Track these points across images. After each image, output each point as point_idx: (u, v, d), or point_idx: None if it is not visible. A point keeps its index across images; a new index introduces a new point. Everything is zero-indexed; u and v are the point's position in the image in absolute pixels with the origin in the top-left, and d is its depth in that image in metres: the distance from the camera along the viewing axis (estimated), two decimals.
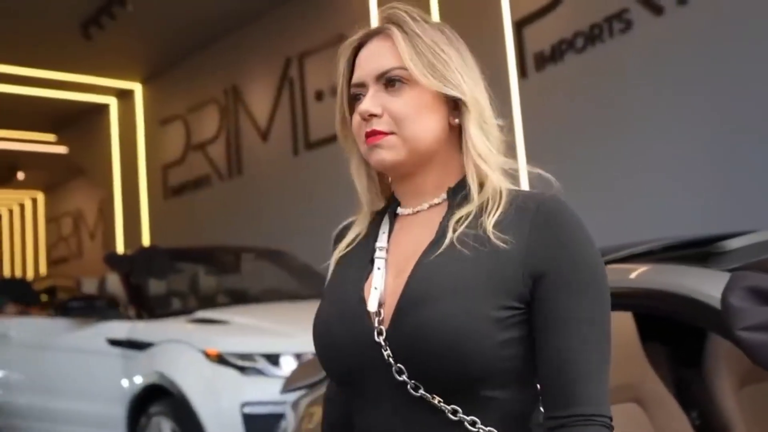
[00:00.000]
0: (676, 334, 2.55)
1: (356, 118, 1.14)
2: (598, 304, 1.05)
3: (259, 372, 4.10)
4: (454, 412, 1.03)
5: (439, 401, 1.04)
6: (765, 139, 4.57)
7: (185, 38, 9.25)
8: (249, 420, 4.00)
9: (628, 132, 5.26)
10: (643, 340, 2.32)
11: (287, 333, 4.28)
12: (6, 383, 6.04)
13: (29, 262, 16.27)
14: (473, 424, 1.03)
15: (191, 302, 5.65)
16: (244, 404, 4.03)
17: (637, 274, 1.91)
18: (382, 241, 1.17)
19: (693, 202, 4.82)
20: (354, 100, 1.17)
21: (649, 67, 5.15)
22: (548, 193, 1.12)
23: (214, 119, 9.62)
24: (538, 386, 1.06)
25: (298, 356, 3.99)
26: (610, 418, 1.02)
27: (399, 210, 1.19)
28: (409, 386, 1.04)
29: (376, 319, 1.09)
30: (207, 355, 4.25)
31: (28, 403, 5.78)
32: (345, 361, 1.13)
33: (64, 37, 8.59)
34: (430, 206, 1.16)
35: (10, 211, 17.43)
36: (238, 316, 4.75)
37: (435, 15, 6.54)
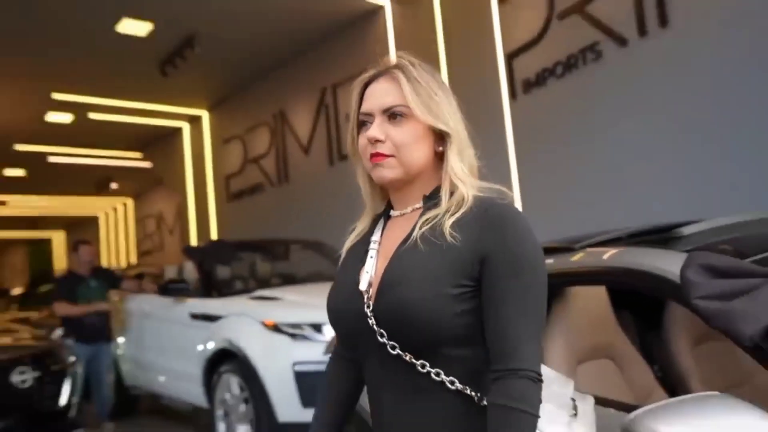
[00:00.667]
0: (641, 304, 2.54)
1: (363, 140, 1.18)
2: (532, 285, 1.08)
3: (306, 338, 4.13)
4: (423, 366, 1.10)
5: (410, 358, 1.10)
6: (722, 147, 4.54)
7: (241, 74, 9.31)
8: (299, 376, 4.04)
9: (600, 142, 5.23)
10: (614, 309, 2.31)
11: None
12: (130, 340, 6.19)
13: (122, 253, 16.45)
14: (437, 375, 1.09)
15: (251, 284, 5.66)
16: (295, 363, 4.06)
17: (608, 255, 1.91)
18: (376, 235, 1.23)
19: (659, 198, 4.80)
20: (361, 125, 1.20)
21: (616, 89, 5.12)
22: (501, 199, 1.15)
23: (265, 138, 9.64)
24: (487, 346, 1.10)
25: None
26: (539, 373, 1.06)
27: (391, 212, 1.25)
28: (388, 347, 1.11)
29: (365, 296, 1.15)
30: (265, 325, 4.28)
31: (143, 358, 5.90)
32: (346, 328, 1.21)
33: (147, 76, 8.65)
34: (413, 210, 1.20)
35: (107, 214, 17.65)
36: (288, 294, 4.78)
37: (441, 50, 6.54)
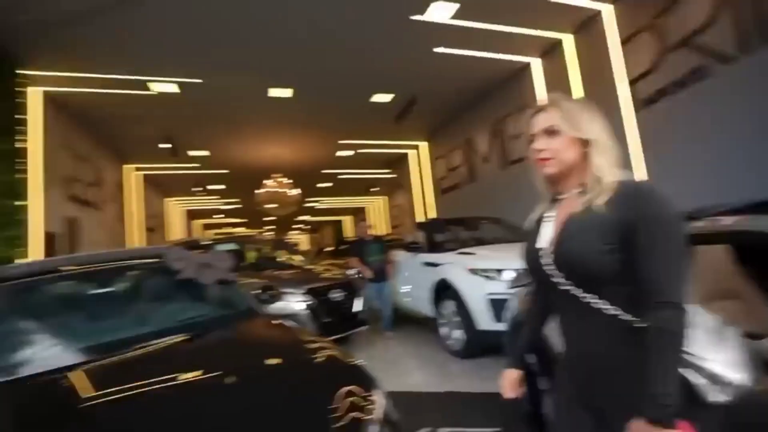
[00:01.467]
0: (763, 260, 2.07)
1: (533, 152, 1.15)
2: (672, 236, 0.99)
3: (493, 278, 3.99)
4: (584, 298, 1.03)
5: (578, 292, 1.04)
6: None
7: (444, 115, 9.28)
8: (491, 303, 3.92)
9: (705, 139, 4.29)
10: (742, 266, 1.92)
11: (507, 258, 4.08)
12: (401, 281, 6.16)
13: (383, 228, 17.38)
14: (595, 303, 1.02)
15: (456, 245, 5.59)
16: (488, 294, 3.95)
17: (730, 220, 1.60)
18: (550, 212, 1.18)
19: (752, 178, 3.81)
20: (531, 141, 1.17)
21: (719, 104, 4.16)
22: (632, 180, 1.07)
23: (459, 155, 9.54)
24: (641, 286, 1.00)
25: (515, 270, 3.83)
26: (683, 303, 0.96)
27: (558, 197, 1.18)
28: (561, 285, 1.06)
29: (542, 252, 1.11)
30: (468, 270, 4.23)
31: (402, 287, 5.78)
32: (536, 273, 1.15)
33: (388, 124, 8.99)
34: (571, 195, 1.14)
35: (372, 205, 18.58)
36: (480, 251, 4.64)
37: (578, 81, 5.89)
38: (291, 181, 11.81)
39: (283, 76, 6.60)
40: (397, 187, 14.19)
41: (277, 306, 4.37)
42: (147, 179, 11.40)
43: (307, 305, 4.52)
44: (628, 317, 1.02)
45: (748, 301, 1.85)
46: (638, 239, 0.99)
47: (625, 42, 5.20)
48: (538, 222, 1.22)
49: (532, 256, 1.17)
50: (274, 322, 2.27)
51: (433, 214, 10.92)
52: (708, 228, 1.67)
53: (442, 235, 5.68)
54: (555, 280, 1.08)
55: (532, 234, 1.21)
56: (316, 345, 1.90)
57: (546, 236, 1.15)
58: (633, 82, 5.14)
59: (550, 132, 1.12)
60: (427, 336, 5.21)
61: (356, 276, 5.56)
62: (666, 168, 4.73)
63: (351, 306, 4.94)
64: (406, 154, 11.99)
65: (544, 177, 1.17)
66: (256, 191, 11.93)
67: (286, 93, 7.19)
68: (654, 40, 4.82)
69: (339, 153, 11.17)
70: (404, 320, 6.72)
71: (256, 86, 6.88)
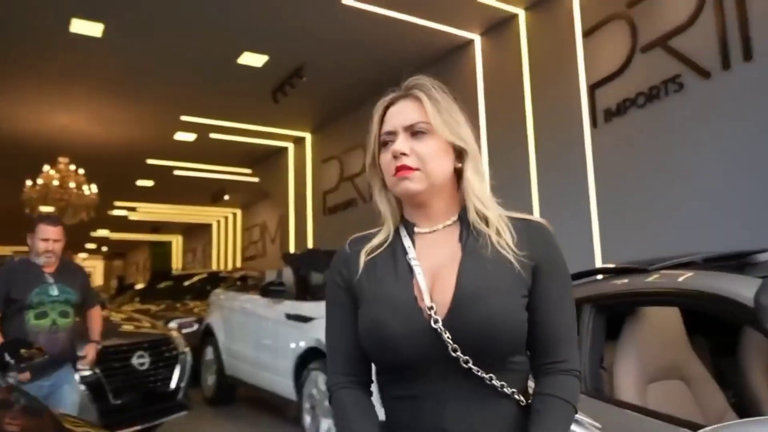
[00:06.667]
0: (715, 329, 2.40)
1: (387, 156, 1.15)
2: (570, 291, 1.15)
3: None
4: (491, 379, 1.06)
5: (478, 371, 1.06)
6: None
7: (341, 101, 9.50)
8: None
9: (677, 170, 4.98)
10: (688, 333, 2.20)
11: None
12: (231, 335, 6.36)
13: (230, 258, 17.06)
14: (502, 387, 1.07)
15: None
16: None
17: (683, 278, 1.82)
18: (411, 252, 1.14)
19: (736, 228, 4.50)
20: (383, 145, 1.17)
21: (697, 120, 4.87)
22: (535, 217, 1.17)
23: (360, 159, 9.71)
24: (533, 348, 1.12)
25: None
26: (580, 371, 1.12)
27: (416, 229, 1.17)
28: (461, 360, 1.05)
29: (432, 312, 1.06)
30: None
31: (242, 350, 6.02)
32: (403, 347, 1.06)
33: (260, 101, 8.97)
34: (444, 226, 1.16)
35: (218, 222, 18.33)
36: None
37: (527, 80, 6.46)
38: (83, 171, 10.98)
39: (93, 3, 6.20)
40: (261, 197, 14.02)
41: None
42: None
43: (83, 377, 4.19)
44: (521, 398, 1.10)
45: (695, 383, 2.11)
46: (539, 291, 1.10)
47: (588, 33, 5.86)
48: (384, 264, 1.16)
49: (400, 318, 1.07)
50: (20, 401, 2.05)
51: (311, 242, 10.98)
52: (658, 285, 1.88)
53: (321, 274, 5.72)
54: (454, 354, 1.05)
55: (381, 283, 1.13)
56: None
57: (422, 288, 1.09)
58: (594, 87, 5.79)
59: (416, 132, 1.13)
60: (284, 429, 5.15)
61: (179, 330, 5.40)
62: (622, 202, 5.34)
63: (166, 379, 4.76)
64: (281, 150, 12.04)
65: (401, 195, 1.15)
66: (27, 184, 10.86)
67: (94, 30, 6.75)
68: (624, 35, 5.50)
69: (179, 135, 10.85)
70: (249, 402, 6.54)
71: (55, 14, 6.38)
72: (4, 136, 10.45)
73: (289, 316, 5.10)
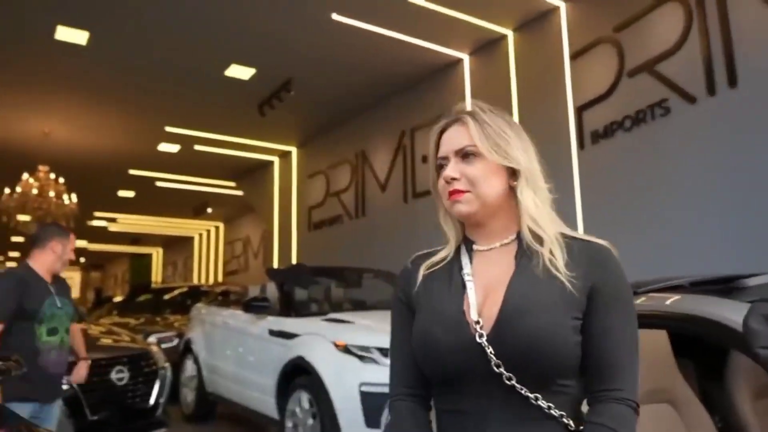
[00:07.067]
0: (703, 352, 2.41)
1: (441, 181, 1.19)
2: (632, 317, 1.11)
3: (374, 361, 4.07)
4: (536, 399, 1.05)
5: (524, 389, 1.04)
6: None
7: (329, 115, 9.54)
8: (365, 396, 3.96)
9: (663, 193, 5.06)
10: (675, 355, 2.20)
11: None
12: (212, 350, 6.27)
13: (211, 272, 16.92)
14: (549, 408, 1.05)
15: (325, 307, 5.67)
16: (362, 384, 4.00)
17: (672, 301, 1.83)
18: (467, 268, 1.18)
19: (720, 252, 4.56)
20: (439, 168, 1.21)
21: (683, 144, 4.96)
22: (598, 240, 1.17)
23: (346, 174, 9.79)
24: (588, 374, 1.08)
25: None
26: (638, 404, 1.06)
27: (475, 247, 1.20)
28: (504, 377, 1.05)
29: (478, 326, 1.08)
30: (336, 346, 4.26)
31: (224, 367, 5.94)
32: (450, 358, 1.09)
33: (246, 114, 8.97)
34: (501, 245, 1.18)
35: (200, 235, 18.23)
36: (359, 318, 4.74)
37: (514, 100, 6.53)
38: (63, 180, 10.86)
39: (78, 11, 6.18)
40: (244, 211, 13.96)
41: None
42: None
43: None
44: (570, 423, 1.07)
45: (683, 406, 2.11)
46: (596, 315, 1.08)
47: (575, 56, 5.95)
48: (440, 279, 1.20)
49: (445, 331, 1.11)
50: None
51: (295, 258, 10.94)
52: (645, 307, 1.89)
53: (305, 291, 5.69)
54: (497, 370, 1.05)
55: (435, 297, 1.17)
56: None
57: (470, 303, 1.12)
58: (581, 109, 5.86)
59: (466, 155, 1.16)
60: None
61: (159, 345, 5.32)
62: (609, 224, 5.39)
63: (145, 395, 4.70)
64: (266, 164, 12.03)
65: (457, 217, 1.19)
66: (5, 192, 10.71)
67: (79, 38, 6.71)
68: (611, 58, 5.59)
69: (162, 146, 10.81)
70: (230, 420, 6.45)
71: (41, 21, 6.34)
72: None
73: (273, 332, 5.05)
